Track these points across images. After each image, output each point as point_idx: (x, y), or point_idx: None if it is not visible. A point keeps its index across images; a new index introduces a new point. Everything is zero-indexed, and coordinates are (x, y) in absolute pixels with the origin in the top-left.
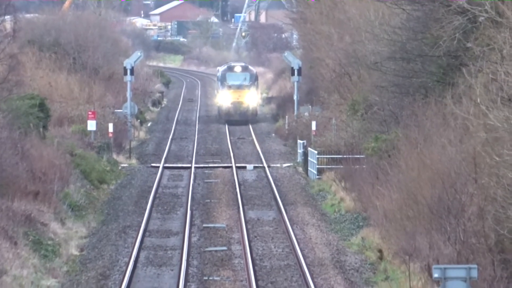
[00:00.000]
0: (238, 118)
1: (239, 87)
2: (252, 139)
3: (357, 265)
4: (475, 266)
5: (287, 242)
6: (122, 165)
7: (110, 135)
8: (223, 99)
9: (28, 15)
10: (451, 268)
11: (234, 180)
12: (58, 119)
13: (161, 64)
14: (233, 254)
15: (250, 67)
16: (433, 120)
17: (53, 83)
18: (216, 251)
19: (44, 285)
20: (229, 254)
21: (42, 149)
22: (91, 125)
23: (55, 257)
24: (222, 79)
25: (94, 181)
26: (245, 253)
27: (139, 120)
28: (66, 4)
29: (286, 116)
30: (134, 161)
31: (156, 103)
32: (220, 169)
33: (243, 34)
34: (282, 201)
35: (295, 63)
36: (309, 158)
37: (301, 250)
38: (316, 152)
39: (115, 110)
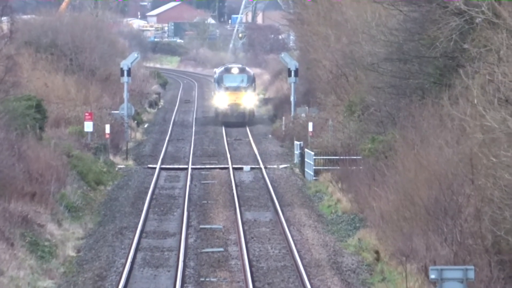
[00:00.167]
0: (235, 120)
1: (236, 89)
2: (249, 140)
3: (354, 266)
4: (472, 267)
5: (283, 243)
6: (119, 166)
7: (107, 136)
8: (220, 100)
9: (25, 16)
10: (448, 269)
11: (231, 181)
12: (55, 120)
13: (158, 65)
14: (230, 255)
15: (247, 68)
16: (430, 121)
17: (50, 84)
18: (212, 252)
19: (41, 286)
20: (226, 255)
21: (39, 150)
22: (88, 126)
23: (51, 258)
24: (219, 81)
25: (91, 182)
26: (242, 254)
27: (136, 121)
28: (63, 5)
29: (283, 117)
30: (131, 162)
31: (153, 104)
32: (217, 170)
33: (240, 35)
34: (279, 202)
35: (292, 64)
36: (305, 159)
37: (298, 251)
38: (313, 153)
39: (112, 111)
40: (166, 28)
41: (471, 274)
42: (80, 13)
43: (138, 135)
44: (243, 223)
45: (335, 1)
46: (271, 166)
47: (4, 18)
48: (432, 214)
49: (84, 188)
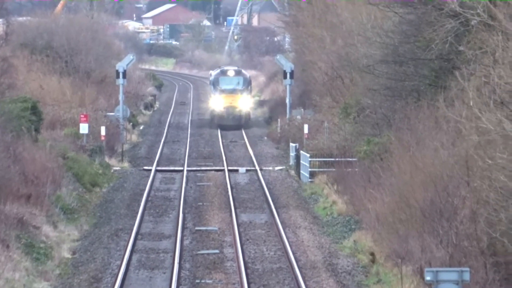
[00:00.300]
0: (231, 123)
1: (232, 92)
2: (245, 142)
3: (349, 268)
4: (467, 269)
5: (279, 245)
6: (115, 168)
7: (103, 138)
8: (216, 103)
9: (20, 18)
10: (444, 271)
11: (226, 183)
12: (51, 122)
13: (153, 67)
14: (225, 257)
15: (243, 71)
16: (425, 123)
17: (46, 86)
18: (208, 254)
19: None
20: (221, 257)
21: (35, 152)
22: (84, 128)
23: (47, 260)
24: (215, 83)
25: (87, 184)
26: (237, 256)
27: (131, 123)
28: (59, 7)
29: (279, 119)
30: (126, 164)
31: (148, 106)
32: (212, 172)
33: (236, 37)
34: (274, 204)
35: (288, 66)
36: (301, 161)
37: (293, 253)
38: (308, 155)
39: (108, 113)
40: (161, 30)
41: (467, 276)
42: (75, 15)
43: (134, 137)
44: (238, 225)
45: (330, 3)
46: (267, 168)
47: None
48: (428, 216)
49: (80, 190)
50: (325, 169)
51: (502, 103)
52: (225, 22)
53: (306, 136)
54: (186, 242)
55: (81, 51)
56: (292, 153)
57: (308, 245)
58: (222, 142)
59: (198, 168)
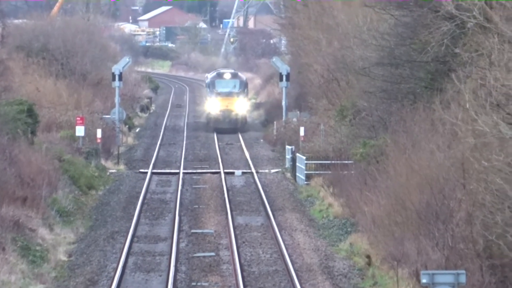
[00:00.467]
0: (227, 126)
1: (228, 95)
2: (241, 145)
3: (345, 271)
4: (463, 271)
5: (275, 248)
6: (111, 170)
7: (99, 140)
8: (212, 106)
9: (16, 21)
10: (439, 273)
11: (222, 185)
12: (47, 125)
13: (149, 70)
14: (221, 260)
15: (239, 74)
16: (421, 125)
17: (42, 89)
18: (204, 256)
19: None
20: (217, 260)
21: (31, 154)
22: (80, 130)
23: (43, 262)
24: (211, 86)
25: (83, 186)
26: (233, 259)
27: (127, 126)
28: (55, 9)
29: (275, 122)
30: (122, 166)
31: (144, 108)
32: (208, 174)
33: (232, 39)
34: (270, 207)
35: (284, 68)
36: (297, 164)
37: (289, 256)
38: (304, 157)
39: (104, 116)
40: (157, 33)
41: (463, 279)
42: (71, 18)
43: (130, 140)
44: (234, 228)
45: (326, 6)
46: (263, 171)
47: None
48: (424, 219)
49: (76, 193)
50: (321, 172)
51: (498, 105)
52: (221, 25)
53: (302, 138)
54: (182, 244)
55: (77, 53)
56: (288, 156)
57: (304, 247)
58: (218, 145)
59: (194, 171)
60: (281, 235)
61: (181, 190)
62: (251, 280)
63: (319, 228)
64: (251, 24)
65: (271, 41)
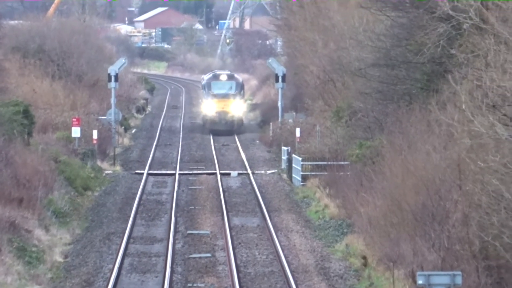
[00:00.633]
0: (223, 128)
1: (225, 96)
2: (237, 146)
3: (341, 272)
4: (459, 272)
5: (271, 249)
6: (107, 171)
7: (95, 141)
8: (208, 108)
9: (12, 22)
10: (436, 274)
11: (218, 186)
12: (43, 126)
13: (145, 71)
14: (217, 261)
15: (236, 75)
16: (417, 126)
17: (38, 90)
18: (200, 257)
19: None
20: (213, 261)
21: (27, 155)
22: (76, 131)
23: (39, 263)
24: (207, 88)
25: (79, 187)
26: (229, 260)
27: (123, 127)
28: (50, 10)
29: (271, 123)
30: (118, 167)
31: (140, 109)
32: (204, 175)
33: (228, 40)
34: (266, 208)
35: (280, 69)
36: (293, 165)
37: (285, 257)
38: (300, 158)
39: (100, 117)
40: (153, 34)
41: (459, 280)
42: (67, 19)
43: (126, 141)
44: (230, 229)
45: (322, 7)
46: (259, 172)
47: None
48: (420, 220)
49: (72, 194)
50: (317, 173)
51: (494, 106)
52: (217, 26)
53: (298, 139)
54: (178, 245)
55: (73, 54)
56: (284, 157)
57: (300, 248)
58: (214, 146)
59: (190, 172)
60: (277, 236)
61: (177, 191)
62: (247, 281)
63: (315, 229)
64: (247, 25)
65: (267, 42)
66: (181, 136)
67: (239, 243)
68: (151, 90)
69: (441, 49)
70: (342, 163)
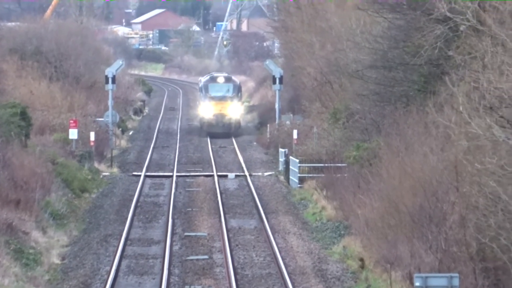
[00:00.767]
0: (221, 131)
1: (222, 99)
2: (234, 148)
3: (339, 274)
4: (457, 274)
5: (268, 251)
6: (104, 173)
7: (92, 143)
8: (205, 110)
9: (9, 24)
10: (433, 276)
11: (216, 188)
12: (40, 128)
13: (142, 73)
14: (215, 263)
15: (233, 77)
16: (414, 128)
17: (35, 92)
18: (197, 259)
19: None
20: (211, 263)
21: (24, 157)
22: (73, 133)
23: (36, 265)
24: (205, 90)
25: (76, 189)
26: (227, 262)
27: (120, 129)
28: (48, 12)
29: (268, 125)
30: (115, 169)
31: (137, 111)
32: (202, 177)
33: (225, 42)
34: (263, 210)
35: (277, 71)
36: (290, 167)
37: (283, 259)
38: (297, 160)
39: (97, 119)
40: (150, 36)
41: (456, 282)
42: (64, 20)
43: (123, 143)
44: (227, 231)
45: (319, 9)
46: (256, 174)
47: None
48: (417, 222)
49: (69, 196)
50: (314, 175)
51: (491, 108)
52: (214, 28)
53: (295, 141)
54: (175, 247)
55: (71, 56)
56: (281, 159)
57: (297, 250)
58: (212, 148)
59: (188, 174)
60: (275, 238)
61: (175, 193)
62: (244, 283)
63: (312, 231)
64: (244, 27)
65: (264, 44)
66: (178, 138)
67: (237, 245)
68: (148, 92)
69: (438, 51)
70: (339, 165)
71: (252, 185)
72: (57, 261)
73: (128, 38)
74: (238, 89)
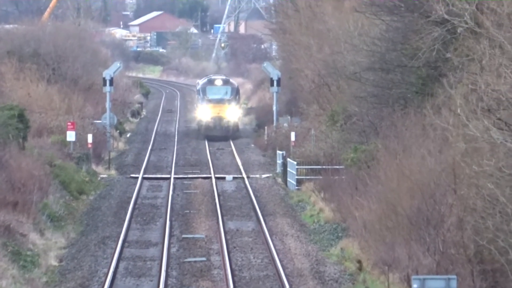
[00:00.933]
0: (219, 134)
1: (220, 101)
2: (232, 150)
3: (336, 276)
4: (454, 276)
5: (266, 253)
6: (101, 175)
7: (89, 145)
8: (203, 113)
9: (7, 26)
10: (431, 278)
11: (213, 190)
12: (38, 130)
13: (140, 75)
14: (212, 265)
15: (231, 80)
16: (412, 130)
17: (33, 94)
18: (195, 261)
19: None
20: (208, 265)
21: (21, 159)
22: (71, 135)
23: (34, 268)
24: (202, 93)
25: (73, 191)
26: (224, 264)
27: (118, 131)
28: (45, 14)
29: (265, 127)
30: (113, 171)
31: (135, 113)
32: (199, 180)
33: (223, 44)
34: (261, 212)
35: (274, 73)
36: (288, 169)
37: (280, 261)
38: (295, 162)
39: (95, 121)
40: (148, 38)
41: (454, 284)
42: (62, 23)
43: (121, 145)
44: (225, 233)
45: (317, 11)
46: (254, 176)
47: None
48: (415, 224)
49: (67, 198)
50: (312, 177)
51: (489, 110)
52: (212, 30)
53: (293, 143)
54: (173, 249)
55: (68, 58)
56: (279, 161)
57: (295, 252)
58: (209, 150)
59: (185, 176)
60: (272, 240)
61: (172, 195)
62: (242, 285)
63: (310, 233)
64: (242, 29)
65: (262, 46)
66: (176, 140)
67: (234, 247)
68: (146, 94)
69: (436, 53)
70: (337, 167)
71: (250, 187)
72: (54, 263)
73: (125, 40)
74: (236, 92)
